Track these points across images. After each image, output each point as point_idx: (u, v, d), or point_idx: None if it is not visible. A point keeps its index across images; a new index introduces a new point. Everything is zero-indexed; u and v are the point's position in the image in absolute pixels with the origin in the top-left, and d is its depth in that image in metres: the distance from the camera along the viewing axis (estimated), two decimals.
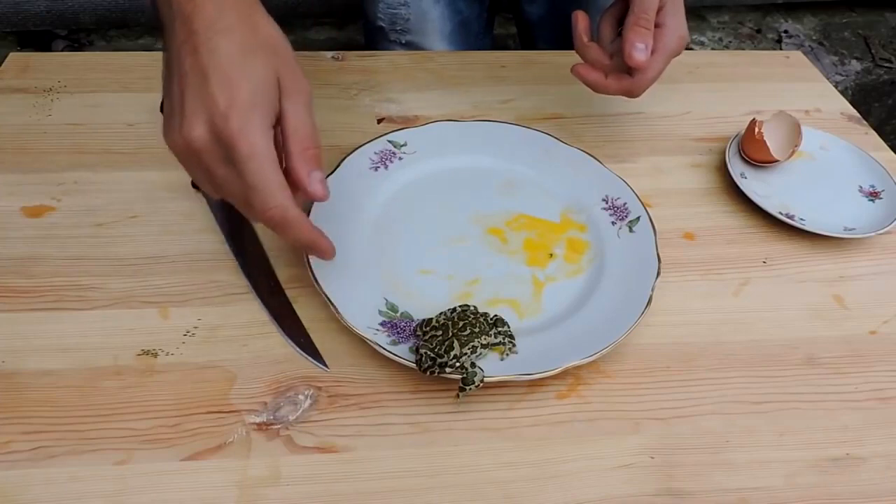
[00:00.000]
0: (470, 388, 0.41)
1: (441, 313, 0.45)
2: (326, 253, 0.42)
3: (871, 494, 0.40)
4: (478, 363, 0.42)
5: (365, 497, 0.38)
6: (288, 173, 0.39)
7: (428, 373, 0.41)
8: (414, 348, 0.43)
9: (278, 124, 0.39)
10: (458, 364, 0.41)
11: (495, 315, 0.45)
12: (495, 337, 0.44)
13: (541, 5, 0.88)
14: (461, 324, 0.43)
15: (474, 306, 0.45)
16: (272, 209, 0.38)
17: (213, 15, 0.38)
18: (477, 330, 0.43)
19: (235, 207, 0.41)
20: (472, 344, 0.42)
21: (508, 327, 0.44)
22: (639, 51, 0.50)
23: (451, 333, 0.42)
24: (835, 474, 0.41)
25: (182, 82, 0.38)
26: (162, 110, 0.41)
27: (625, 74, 0.53)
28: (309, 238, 0.40)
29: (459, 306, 0.45)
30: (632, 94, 0.53)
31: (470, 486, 0.39)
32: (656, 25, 0.51)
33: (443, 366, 0.40)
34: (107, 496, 0.37)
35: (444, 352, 0.41)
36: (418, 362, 0.41)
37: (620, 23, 0.54)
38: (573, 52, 0.57)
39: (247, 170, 0.37)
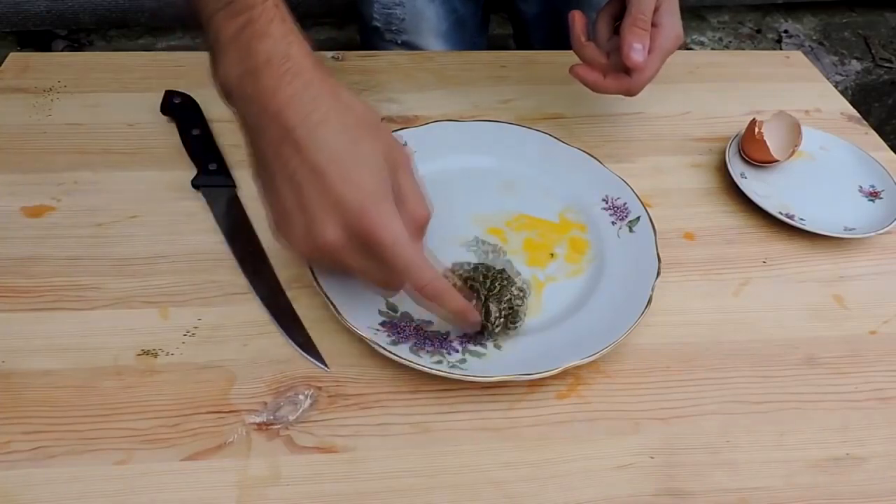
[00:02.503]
0: (515, 326, 0.44)
1: (455, 272, 0.45)
2: (473, 322, 0.43)
3: (871, 494, 0.40)
4: (514, 304, 0.44)
5: (365, 497, 0.38)
6: None
7: (481, 342, 0.44)
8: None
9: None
10: (502, 320, 0.44)
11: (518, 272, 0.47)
12: (518, 291, 0.45)
13: (535, 4, 0.88)
14: (488, 282, 0.44)
15: (485, 265, 0.46)
16: (427, 284, 0.39)
17: (305, 106, 0.37)
18: (505, 282, 0.44)
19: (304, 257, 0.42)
20: (506, 298, 0.44)
21: (525, 285, 0.46)
22: (636, 51, 0.51)
23: (483, 298, 0.44)
24: (835, 474, 0.41)
25: (295, 184, 0.37)
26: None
27: (622, 74, 0.54)
28: (461, 305, 0.41)
29: (478, 264, 0.46)
30: (629, 93, 0.54)
31: (470, 486, 0.39)
32: (653, 25, 0.52)
33: (493, 330, 0.43)
34: (107, 496, 0.37)
35: (485, 318, 0.43)
36: (474, 337, 0.44)
37: (616, 20, 0.55)
38: (572, 51, 0.57)
39: (394, 256, 0.37)
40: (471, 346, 0.44)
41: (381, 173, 0.38)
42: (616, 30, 0.54)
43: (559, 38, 0.86)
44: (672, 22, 0.53)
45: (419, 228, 0.41)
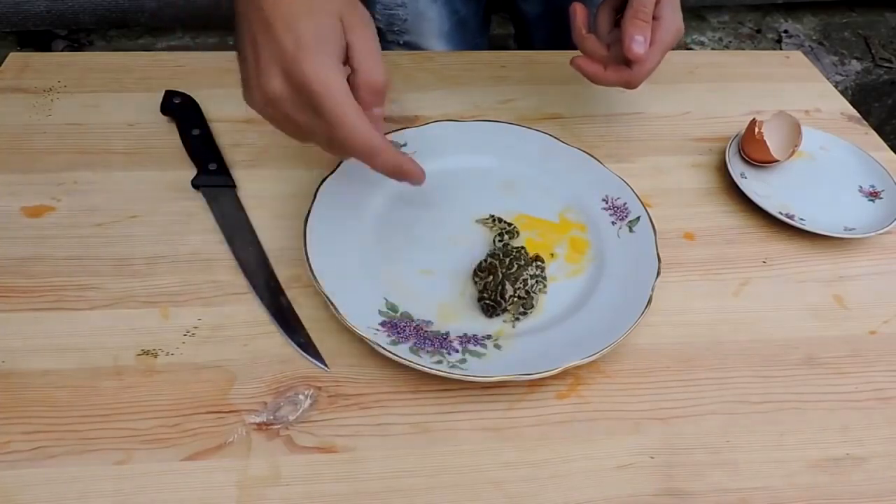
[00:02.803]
0: (530, 312, 0.46)
1: (488, 256, 0.48)
2: (416, 175, 0.43)
3: (871, 494, 0.40)
4: (531, 290, 0.46)
5: (365, 497, 0.38)
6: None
7: (495, 317, 0.46)
8: (477, 298, 0.46)
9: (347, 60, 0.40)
10: (515, 300, 0.45)
11: (535, 253, 0.49)
12: (536, 269, 0.48)
13: (537, 4, 0.88)
14: (507, 260, 0.46)
15: (509, 244, 0.50)
16: (357, 140, 0.39)
17: None
18: (522, 262, 0.46)
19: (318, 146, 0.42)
20: (522, 278, 0.46)
21: (543, 264, 0.49)
22: (637, 43, 0.51)
23: (500, 275, 0.45)
24: (835, 474, 0.41)
25: (252, 40, 0.39)
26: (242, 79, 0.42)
27: (623, 66, 0.54)
28: (397, 161, 0.41)
29: (502, 244, 0.49)
30: (630, 85, 0.54)
31: (470, 486, 0.39)
32: (654, 18, 0.52)
33: (504, 307, 0.45)
34: (107, 496, 0.37)
35: (500, 296, 0.45)
36: (483, 311, 0.46)
37: (618, 13, 0.55)
38: (573, 51, 0.57)
39: (325, 108, 0.38)
40: (471, 346, 0.44)
41: (327, 27, 0.38)
42: (617, 23, 0.55)
43: (560, 38, 0.86)
44: (673, 16, 0.54)
45: (374, 93, 0.40)
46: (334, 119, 0.38)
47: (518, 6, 0.90)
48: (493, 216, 0.53)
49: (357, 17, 0.40)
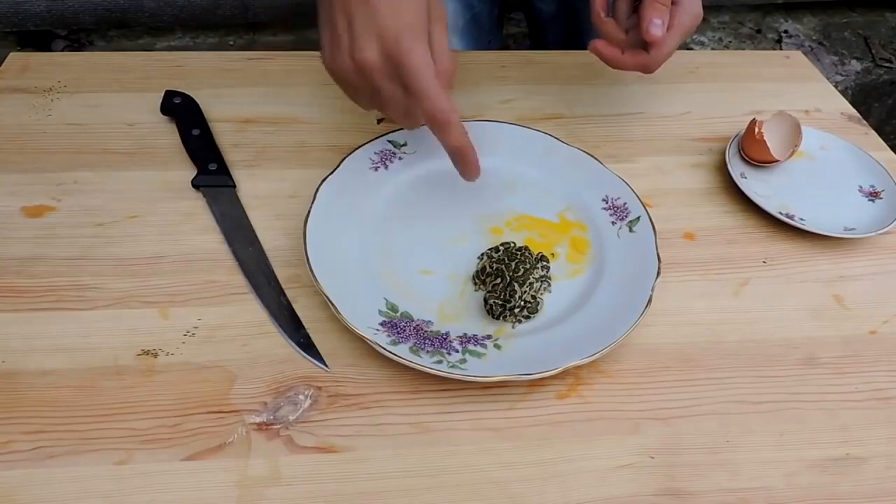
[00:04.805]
0: (533, 317, 0.46)
1: (485, 255, 0.49)
2: (473, 163, 0.47)
3: (871, 494, 0.40)
4: (537, 294, 0.47)
5: (365, 497, 0.38)
6: None
7: (501, 319, 0.46)
8: (483, 299, 0.47)
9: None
10: (523, 303, 0.46)
11: (539, 252, 0.49)
12: (542, 269, 0.48)
13: (552, 2, 0.88)
14: (513, 264, 0.46)
15: (513, 242, 0.50)
16: (440, 111, 0.43)
17: None
18: (528, 266, 0.47)
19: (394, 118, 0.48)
20: (529, 281, 0.46)
21: (548, 263, 0.49)
22: (656, 26, 0.51)
23: (508, 278, 0.46)
24: (835, 474, 0.41)
25: (348, 11, 0.44)
26: (322, 39, 0.47)
27: (641, 50, 0.54)
28: (464, 142, 0.45)
29: (502, 244, 0.49)
30: (647, 69, 0.55)
31: (470, 486, 0.39)
32: (672, 3, 0.52)
33: (512, 309, 0.45)
34: (107, 496, 0.37)
35: (510, 296, 0.45)
36: (489, 312, 0.46)
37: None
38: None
39: (416, 81, 0.43)
40: (471, 346, 0.44)
41: (422, 14, 0.44)
42: (635, 8, 0.55)
43: (574, 38, 0.86)
44: (691, 1, 0.54)
45: (446, 79, 0.45)
46: (423, 92, 0.43)
47: (534, 5, 0.90)
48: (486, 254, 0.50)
49: (438, 9, 0.45)
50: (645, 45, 0.53)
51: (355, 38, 0.43)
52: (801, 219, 0.55)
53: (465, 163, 0.47)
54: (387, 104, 0.46)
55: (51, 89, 0.62)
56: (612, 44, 0.55)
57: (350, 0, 0.43)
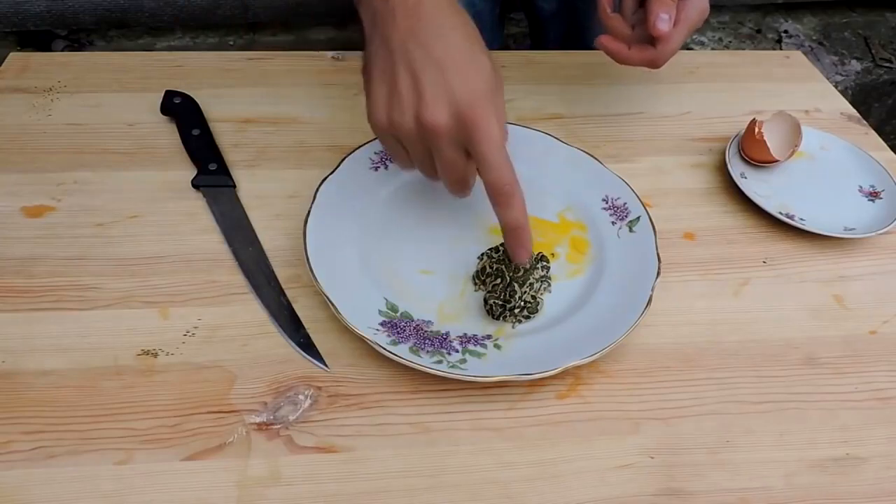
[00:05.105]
0: (533, 317, 0.46)
1: (485, 255, 0.49)
2: (525, 246, 0.44)
3: (871, 494, 0.40)
4: (537, 294, 0.47)
5: (365, 497, 0.38)
6: None
7: (501, 319, 0.46)
8: (483, 299, 0.47)
9: None
10: (523, 303, 0.45)
11: (539, 252, 0.49)
12: (542, 269, 0.48)
13: (553, 1, 0.88)
14: (513, 264, 0.46)
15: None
16: (508, 184, 0.42)
17: (438, 11, 0.43)
18: (528, 266, 0.46)
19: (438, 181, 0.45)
20: (529, 282, 0.46)
21: (548, 263, 0.49)
22: (662, 21, 0.51)
23: (508, 278, 0.46)
24: (835, 474, 0.41)
25: (412, 68, 0.41)
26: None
27: (648, 45, 0.54)
28: (522, 222, 0.43)
29: (502, 244, 0.47)
30: (654, 64, 0.54)
31: (470, 486, 0.39)
32: None
33: (512, 310, 0.45)
34: (107, 496, 0.37)
35: (510, 297, 0.45)
36: (489, 312, 0.46)
37: None
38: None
39: (486, 150, 0.41)
40: (471, 346, 0.44)
41: (490, 82, 0.42)
42: (641, 3, 0.55)
43: (575, 36, 0.86)
44: None
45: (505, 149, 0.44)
46: (491, 162, 0.41)
47: (534, 2, 0.90)
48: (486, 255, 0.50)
49: (501, 77, 0.44)
50: (652, 41, 0.53)
51: (423, 99, 0.41)
52: (801, 219, 0.55)
53: (518, 242, 0.44)
54: (445, 169, 0.44)
55: (51, 89, 0.62)
56: (619, 39, 0.55)
57: (415, 57, 0.41)
